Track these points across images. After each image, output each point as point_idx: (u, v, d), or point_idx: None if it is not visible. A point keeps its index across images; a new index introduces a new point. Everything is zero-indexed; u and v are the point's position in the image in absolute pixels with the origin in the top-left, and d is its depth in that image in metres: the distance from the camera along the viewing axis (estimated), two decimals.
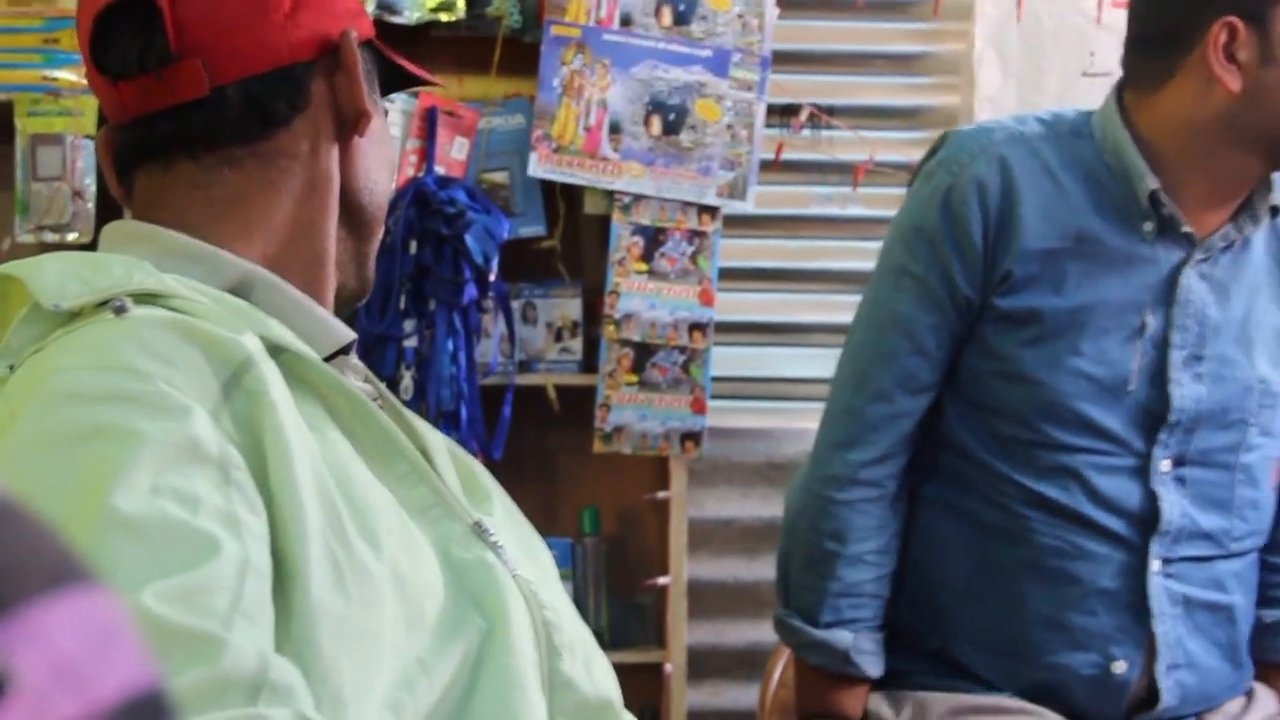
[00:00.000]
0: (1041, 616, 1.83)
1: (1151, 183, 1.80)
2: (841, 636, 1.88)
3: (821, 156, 3.16)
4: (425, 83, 1.27)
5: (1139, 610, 1.83)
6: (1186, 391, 1.83)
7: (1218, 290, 1.85)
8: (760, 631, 3.14)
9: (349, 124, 1.14)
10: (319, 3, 1.13)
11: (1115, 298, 1.82)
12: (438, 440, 1.15)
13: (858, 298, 3.12)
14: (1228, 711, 1.91)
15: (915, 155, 3.16)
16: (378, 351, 2.80)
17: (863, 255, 3.21)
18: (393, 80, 1.22)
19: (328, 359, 1.10)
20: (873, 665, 1.89)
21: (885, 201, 3.19)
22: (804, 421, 3.14)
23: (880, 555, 1.89)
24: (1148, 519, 1.83)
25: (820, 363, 3.10)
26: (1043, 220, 1.81)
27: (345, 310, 1.18)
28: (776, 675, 2.34)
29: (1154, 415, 1.83)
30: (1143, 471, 1.83)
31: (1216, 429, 1.85)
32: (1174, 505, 1.83)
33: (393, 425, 1.07)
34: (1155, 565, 1.83)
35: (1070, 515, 1.82)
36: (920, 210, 1.87)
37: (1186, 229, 1.82)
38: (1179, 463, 1.84)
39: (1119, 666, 1.82)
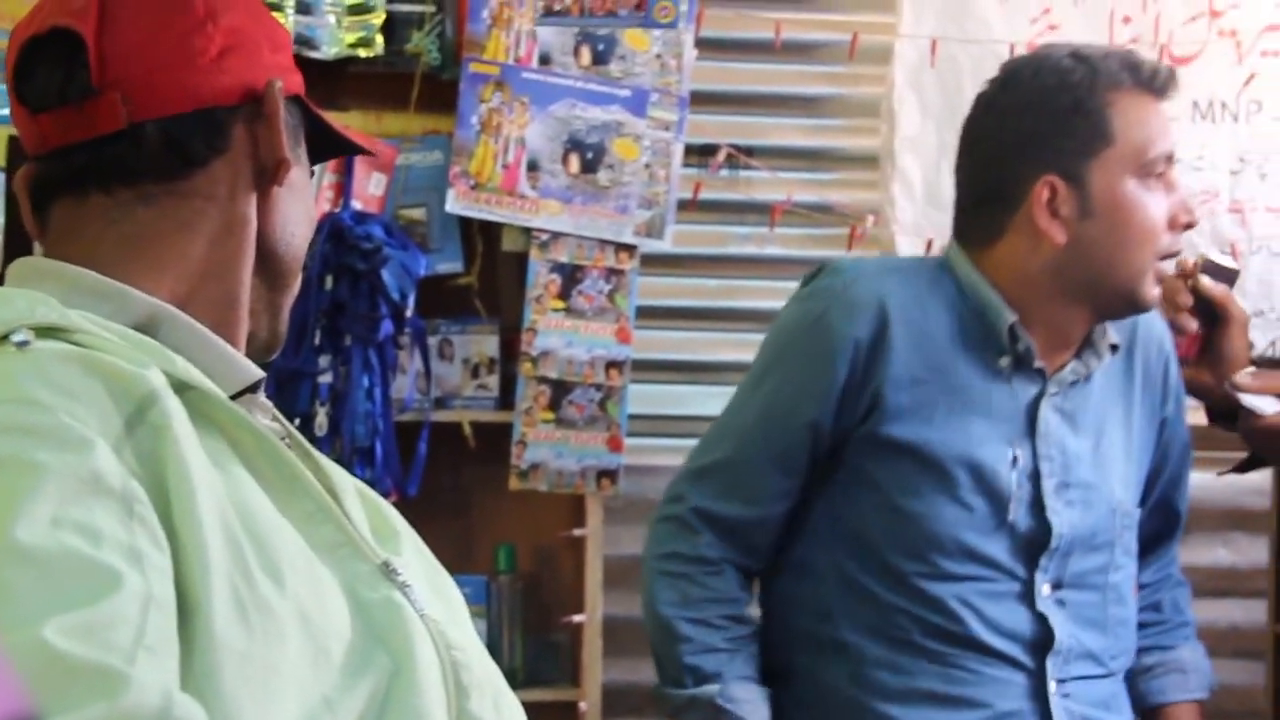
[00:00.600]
0: None
1: (1010, 316, 1.92)
2: (706, 690, 1.93)
3: (739, 196, 3.18)
4: (356, 149, 1.28)
5: None
6: (1063, 518, 1.93)
7: (1070, 421, 1.96)
8: None
9: (269, 172, 1.14)
10: (248, 51, 1.14)
11: (984, 431, 1.92)
12: (346, 481, 1.14)
13: None
14: None
15: (832, 196, 3.20)
16: (292, 387, 2.78)
17: (779, 295, 3.21)
18: (323, 145, 1.22)
19: (235, 397, 1.09)
20: (753, 712, 1.93)
21: (802, 242, 3.21)
22: None
23: (729, 621, 1.95)
24: (1040, 641, 1.92)
25: None
26: (912, 350, 1.91)
27: (259, 357, 1.17)
28: None
29: (1034, 543, 1.92)
30: (1027, 596, 1.92)
31: (1088, 551, 1.95)
32: (1062, 626, 1.92)
33: (299, 464, 1.07)
34: (1053, 686, 1.92)
35: (966, 642, 1.90)
36: (790, 332, 1.97)
37: (1039, 364, 1.94)
38: (1057, 586, 1.93)
39: None
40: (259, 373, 1.13)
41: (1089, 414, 1.98)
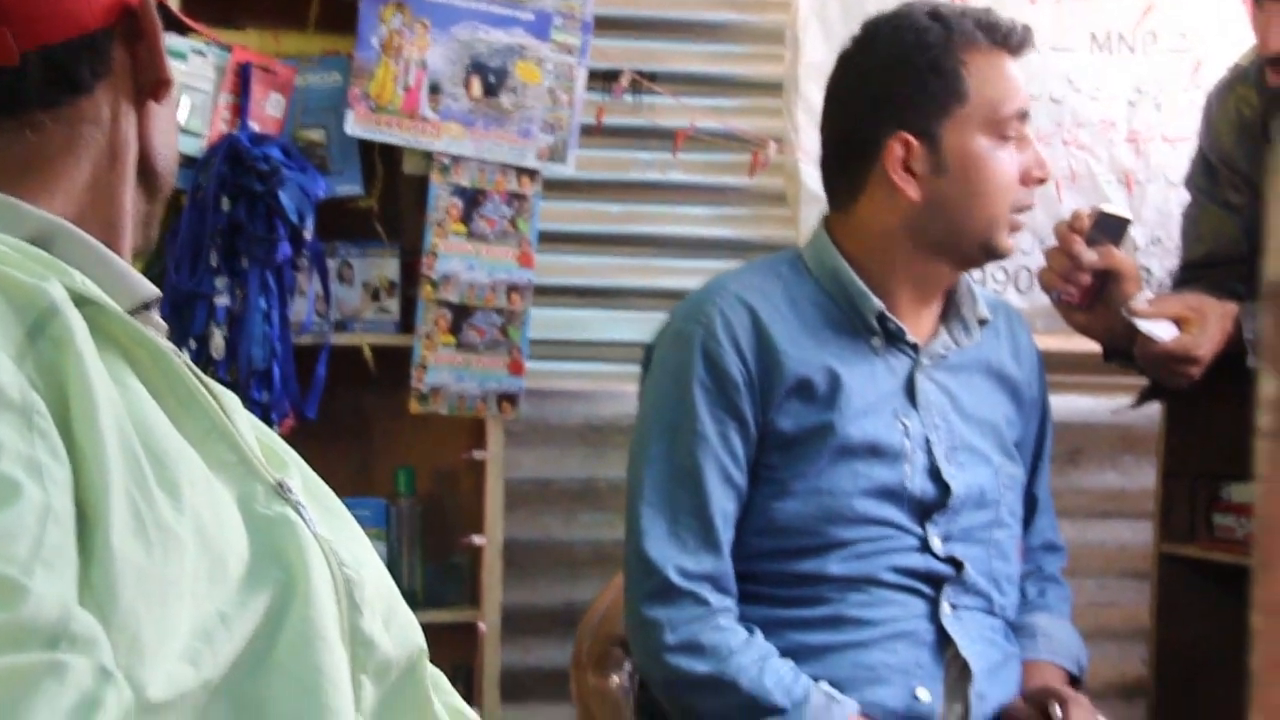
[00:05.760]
0: (847, 660, 1.94)
1: (877, 304, 1.98)
2: (815, 699, 1.91)
3: (642, 122, 3.18)
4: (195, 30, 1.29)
5: (937, 647, 1.97)
6: (958, 480, 2.00)
7: (946, 391, 2.04)
8: (574, 590, 3.17)
9: (147, 90, 1.15)
10: None
11: (872, 406, 1.97)
12: (237, 404, 1.15)
13: (676, 262, 3.23)
14: None
15: (735, 122, 3.21)
16: (188, 309, 2.75)
17: (681, 220, 3.25)
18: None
19: (130, 314, 1.09)
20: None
21: (704, 168, 3.22)
22: (621, 384, 3.16)
23: (764, 646, 1.93)
24: (938, 575, 1.99)
25: (637, 326, 3.13)
26: (794, 349, 1.96)
27: (153, 267, 1.18)
28: (590, 632, 2.37)
29: (928, 504, 1.99)
30: (923, 548, 1.99)
31: (976, 509, 2.02)
32: (962, 562, 2.00)
33: (195, 382, 1.07)
34: (946, 607, 1.98)
35: (870, 580, 1.96)
36: (682, 370, 1.96)
37: (911, 339, 2.01)
38: (946, 539, 2.00)
39: (924, 694, 1.95)
40: (154, 290, 1.13)
41: (961, 383, 2.05)
